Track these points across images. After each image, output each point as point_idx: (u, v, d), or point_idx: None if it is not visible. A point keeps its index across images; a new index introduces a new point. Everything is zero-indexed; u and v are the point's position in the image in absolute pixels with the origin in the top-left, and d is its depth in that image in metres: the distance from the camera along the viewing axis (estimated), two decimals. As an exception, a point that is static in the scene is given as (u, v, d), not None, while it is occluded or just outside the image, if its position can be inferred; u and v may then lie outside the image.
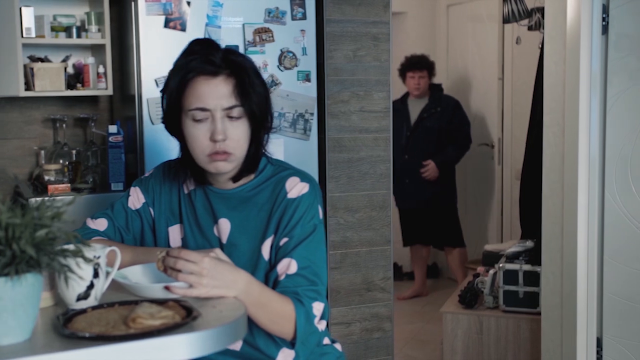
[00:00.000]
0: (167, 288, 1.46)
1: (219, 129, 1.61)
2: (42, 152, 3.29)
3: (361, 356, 3.30)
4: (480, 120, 5.48)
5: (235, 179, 1.70)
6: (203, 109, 1.61)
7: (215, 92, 1.60)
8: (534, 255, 3.41)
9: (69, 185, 3.01)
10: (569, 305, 2.96)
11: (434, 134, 4.99)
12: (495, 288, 3.51)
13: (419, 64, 5.08)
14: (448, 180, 5.08)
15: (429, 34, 5.93)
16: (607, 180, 2.88)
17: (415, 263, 5.37)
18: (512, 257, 3.52)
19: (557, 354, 3.05)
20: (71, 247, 1.27)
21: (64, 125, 3.33)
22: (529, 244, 3.66)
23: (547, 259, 3.10)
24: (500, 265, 3.46)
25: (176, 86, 1.64)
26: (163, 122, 1.72)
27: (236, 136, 1.62)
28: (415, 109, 5.09)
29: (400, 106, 5.09)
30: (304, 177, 1.71)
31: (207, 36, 2.87)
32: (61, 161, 3.22)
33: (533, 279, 3.35)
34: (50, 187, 2.98)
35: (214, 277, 1.47)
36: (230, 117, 1.61)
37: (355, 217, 3.26)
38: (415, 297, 5.29)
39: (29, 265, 1.19)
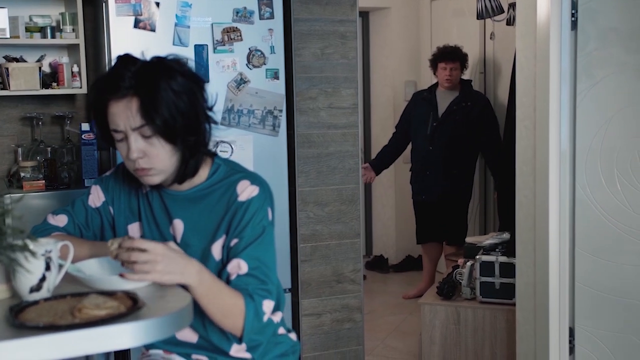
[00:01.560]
0: (122, 275, 1.51)
1: (133, 148, 1.63)
2: (20, 149, 3.34)
3: (332, 346, 3.35)
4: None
5: (180, 182, 1.73)
6: (116, 131, 1.64)
7: (123, 114, 1.61)
8: (509, 247, 3.44)
9: (43, 182, 3.06)
10: (542, 296, 2.97)
11: (462, 127, 4.78)
12: (472, 279, 3.55)
13: (451, 55, 4.85)
14: (470, 175, 4.92)
15: (412, 29, 5.95)
16: (578, 173, 2.90)
17: (426, 261, 5.14)
18: (489, 249, 3.55)
19: (531, 344, 3.08)
20: (20, 242, 1.32)
21: (41, 123, 3.37)
22: (506, 236, 3.70)
23: (521, 250, 3.12)
24: (477, 257, 3.50)
25: (94, 110, 1.67)
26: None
27: (153, 152, 1.64)
28: (444, 100, 4.86)
29: (428, 96, 4.91)
30: (254, 180, 1.74)
31: (175, 37, 2.92)
32: (38, 158, 3.27)
33: (509, 270, 3.37)
34: (26, 184, 3.03)
35: (168, 264, 1.52)
36: (144, 136, 1.62)
37: (324, 211, 3.30)
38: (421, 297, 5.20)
39: (-24, 259, 1.24)
